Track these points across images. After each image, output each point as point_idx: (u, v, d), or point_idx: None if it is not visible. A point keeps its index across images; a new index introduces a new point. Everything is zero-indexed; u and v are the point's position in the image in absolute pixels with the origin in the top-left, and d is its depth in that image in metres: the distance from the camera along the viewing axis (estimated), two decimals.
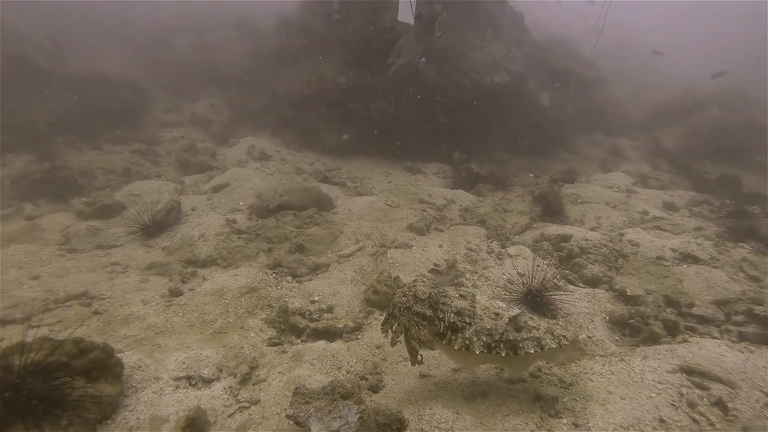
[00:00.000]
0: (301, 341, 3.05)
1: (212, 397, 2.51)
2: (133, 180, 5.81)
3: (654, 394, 2.31)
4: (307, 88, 7.84)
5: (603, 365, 2.55)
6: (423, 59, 6.56)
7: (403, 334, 2.25)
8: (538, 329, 2.20)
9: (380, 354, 2.88)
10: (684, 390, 2.36)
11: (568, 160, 7.86)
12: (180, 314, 3.30)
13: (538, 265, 3.82)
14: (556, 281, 3.65)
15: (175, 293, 3.58)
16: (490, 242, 4.51)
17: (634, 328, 3.16)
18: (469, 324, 2.18)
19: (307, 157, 7.25)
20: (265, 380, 2.64)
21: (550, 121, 7.97)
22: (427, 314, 2.23)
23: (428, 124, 7.50)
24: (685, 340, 2.89)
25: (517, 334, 2.16)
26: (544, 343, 2.15)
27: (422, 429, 2.16)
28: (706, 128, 7.18)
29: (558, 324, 3.14)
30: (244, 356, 2.81)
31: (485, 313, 2.22)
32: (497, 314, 2.22)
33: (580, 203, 5.74)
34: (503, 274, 3.86)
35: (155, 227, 4.62)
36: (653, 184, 6.48)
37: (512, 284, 3.62)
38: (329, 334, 3.10)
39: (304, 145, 7.74)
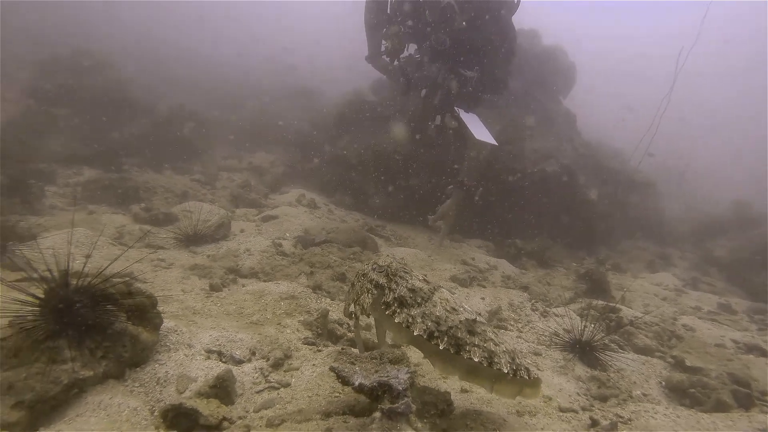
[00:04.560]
0: (336, 346, 2.92)
1: (242, 372, 2.40)
2: (189, 201, 6.04)
3: None
4: (361, 154, 8.22)
5: (666, 408, 2.31)
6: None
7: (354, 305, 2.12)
8: (497, 345, 1.92)
9: (419, 371, 2.71)
10: None
11: (612, 256, 7.70)
12: (218, 305, 3.27)
13: (585, 326, 3.63)
14: (606, 342, 3.44)
15: (215, 288, 3.57)
16: (534, 302, 4.35)
17: (695, 399, 2.88)
18: (419, 304, 2.00)
19: (354, 215, 7.39)
20: (297, 369, 2.51)
21: (597, 217, 7.95)
22: (380, 282, 2.09)
23: (476, 202, 7.60)
24: (765, 412, 2.59)
25: (468, 337, 1.90)
26: (496, 360, 1.84)
27: (467, 425, 1.97)
28: (763, 242, 6.98)
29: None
30: (279, 344, 2.71)
31: (441, 303, 2.02)
32: (455, 309, 2.01)
33: (627, 292, 5.53)
34: (549, 327, 3.67)
35: (203, 239, 4.74)
36: (705, 288, 6.21)
37: (558, 336, 3.43)
38: (367, 347, 2.96)
39: (352, 205, 7.90)
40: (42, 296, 2.04)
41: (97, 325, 2.05)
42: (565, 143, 8.17)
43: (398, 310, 1.98)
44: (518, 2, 5.27)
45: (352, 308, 2.15)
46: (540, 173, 7.58)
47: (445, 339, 1.87)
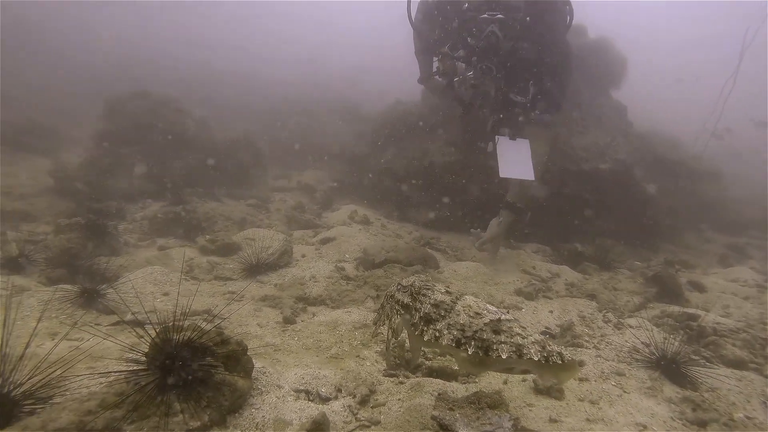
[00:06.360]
0: (416, 377, 2.95)
1: (332, 411, 2.47)
2: (247, 228, 6.25)
3: None
4: (409, 164, 8.22)
5: None
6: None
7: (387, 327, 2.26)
8: (524, 338, 1.98)
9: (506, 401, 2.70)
10: None
11: (676, 252, 7.39)
12: (296, 338, 3.37)
13: (665, 338, 3.50)
14: (691, 356, 3.30)
15: (289, 321, 3.69)
16: (605, 313, 4.23)
17: None
18: (443, 317, 2.10)
19: (406, 227, 7.42)
20: (384, 404, 2.55)
21: (656, 212, 7.64)
22: (406, 302, 2.21)
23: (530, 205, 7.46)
24: None
25: (494, 336, 1.98)
26: (524, 351, 1.91)
27: None
28: None
29: (695, 395, 2.78)
30: (362, 380, 2.76)
31: (465, 310, 2.11)
32: (478, 314, 2.08)
33: (699, 291, 5.28)
34: (626, 341, 3.56)
35: (268, 267, 4.89)
36: None
37: (638, 352, 3.33)
38: (445, 374, 2.98)
39: (403, 217, 7.93)
40: (148, 352, 2.18)
41: (200, 377, 2.17)
42: (618, 137, 7.89)
43: (425, 328, 2.11)
44: (571, 18, 5.15)
45: (379, 330, 2.32)
46: (594, 171, 7.36)
47: (473, 343, 1.98)
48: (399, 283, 2.32)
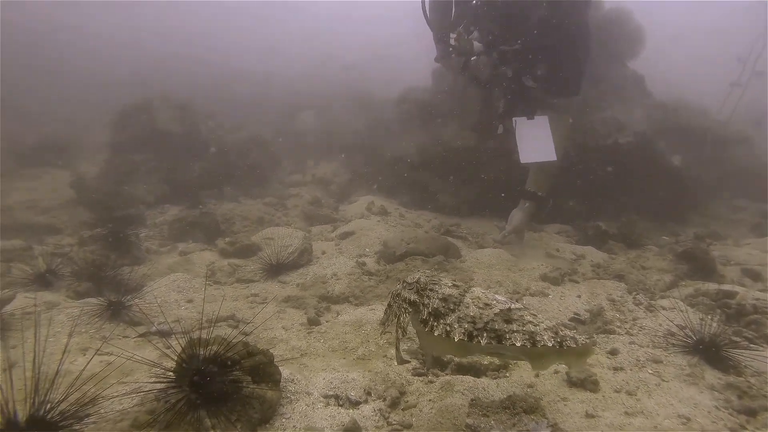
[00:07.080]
0: (446, 374, 2.90)
1: (363, 416, 2.44)
2: (265, 227, 6.24)
3: None
4: (424, 152, 8.09)
5: None
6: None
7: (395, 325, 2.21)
8: (536, 325, 1.95)
9: (535, 393, 2.64)
10: None
11: (705, 224, 7.14)
12: (321, 340, 3.35)
13: (702, 319, 3.38)
14: (731, 337, 3.17)
15: (313, 322, 3.67)
16: (635, 295, 4.11)
17: None
18: (453, 311, 2.05)
19: (424, 215, 7.34)
20: (415, 406, 2.52)
21: (682, 183, 7.39)
22: (413, 299, 2.16)
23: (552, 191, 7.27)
24: None
25: (505, 326, 1.95)
26: (538, 338, 1.90)
27: None
28: None
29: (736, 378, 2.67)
30: (392, 381, 2.73)
31: (474, 302, 2.06)
32: (487, 305, 2.04)
33: (734, 265, 5.10)
34: (660, 325, 3.45)
35: (289, 267, 4.87)
36: None
37: (673, 336, 3.22)
38: (474, 370, 2.92)
39: (420, 205, 7.84)
40: (175, 369, 2.17)
41: (229, 391, 2.15)
42: (637, 109, 7.64)
43: (435, 324, 2.06)
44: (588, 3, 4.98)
45: (387, 329, 2.29)
46: (613, 146, 7.14)
47: (485, 335, 1.95)
48: (404, 280, 2.28)
